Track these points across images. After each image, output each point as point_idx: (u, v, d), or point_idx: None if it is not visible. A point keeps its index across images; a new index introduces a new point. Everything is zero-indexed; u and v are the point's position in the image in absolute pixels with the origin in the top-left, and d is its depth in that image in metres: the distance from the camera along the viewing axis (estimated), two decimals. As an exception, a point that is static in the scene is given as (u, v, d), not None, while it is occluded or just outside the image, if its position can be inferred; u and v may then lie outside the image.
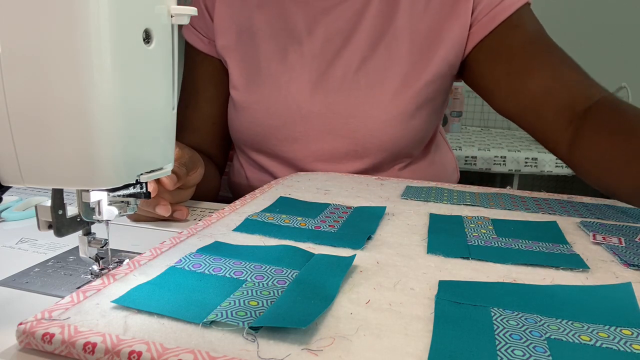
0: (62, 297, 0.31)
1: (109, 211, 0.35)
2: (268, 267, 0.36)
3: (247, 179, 0.83)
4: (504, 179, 1.73)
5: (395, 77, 0.73)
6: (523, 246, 0.43)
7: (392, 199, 0.59)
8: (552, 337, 0.28)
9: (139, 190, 0.34)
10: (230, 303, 0.30)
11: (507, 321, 0.29)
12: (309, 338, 0.27)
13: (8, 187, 0.33)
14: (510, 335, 0.27)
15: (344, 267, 0.36)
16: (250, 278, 0.34)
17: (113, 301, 0.30)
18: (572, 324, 0.29)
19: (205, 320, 0.28)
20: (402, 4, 0.74)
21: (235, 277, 0.34)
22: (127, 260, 0.37)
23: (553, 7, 2.05)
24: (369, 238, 0.44)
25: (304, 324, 0.27)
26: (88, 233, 0.36)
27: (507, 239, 0.45)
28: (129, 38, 0.29)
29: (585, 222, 0.51)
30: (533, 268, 0.38)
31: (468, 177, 1.59)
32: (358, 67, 0.74)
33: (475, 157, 1.55)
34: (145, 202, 0.51)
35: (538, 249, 0.42)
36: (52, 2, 0.26)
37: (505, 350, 0.26)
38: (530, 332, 0.28)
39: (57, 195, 0.33)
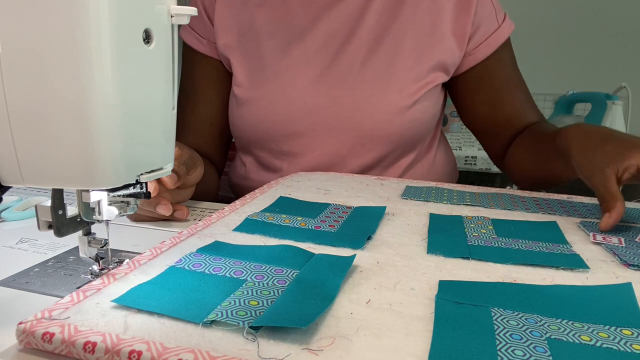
0: (62, 297, 0.31)
1: (109, 211, 0.35)
2: (268, 266, 0.36)
3: (250, 178, 0.83)
4: (504, 179, 1.73)
5: (400, 70, 0.74)
6: (523, 246, 0.43)
7: (392, 199, 0.59)
8: (553, 337, 0.28)
9: (139, 190, 0.34)
10: (230, 303, 0.30)
11: (507, 321, 0.29)
12: (309, 338, 0.27)
13: (8, 187, 0.33)
14: (510, 335, 0.27)
15: (344, 267, 0.36)
16: (251, 278, 0.34)
17: (113, 301, 0.30)
18: (572, 324, 0.29)
19: (205, 319, 0.28)
20: (406, 1, 0.76)
21: (235, 276, 0.34)
22: (127, 260, 0.37)
23: (553, 7, 2.05)
24: (369, 238, 0.44)
25: (304, 323, 0.27)
26: (88, 233, 0.36)
27: (507, 239, 0.45)
28: (129, 38, 0.29)
29: (585, 222, 0.51)
30: (533, 268, 0.38)
31: (468, 177, 1.59)
32: (363, 61, 0.75)
33: (475, 157, 1.55)
34: (145, 202, 0.51)
35: (538, 249, 0.42)
36: (53, 2, 0.26)
37: (506, 350, 0.26)
38: (530, 332, 0.28)
39: (57, 195, 0.33)
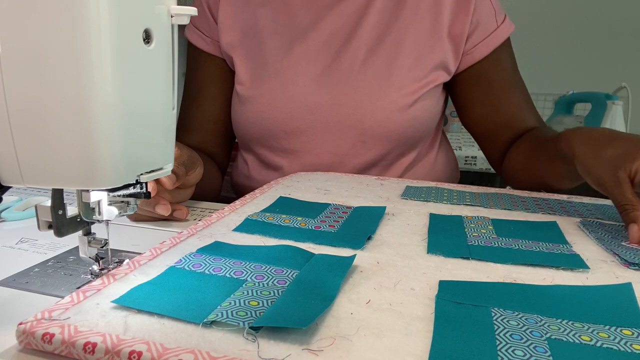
0: (62, 297, 0.31)
1: (109, 211, 0.35)
2: (268, 267, 0.36)
3: (252, 176, 0.84)
4: (504, 179, 1.73)
5: (401, 68, 0.75)
6: (523, 246, 0.43)
7: (392, 199, 0.59)
8: (553, 337, 0.28)
9: (139, 190, 0.34)
10: (230, 303, 0.30)
11: (507, 321, 0.29)
12: (310, 338, 0.27)
13: (8, 187, 0.33)
14: (510, 335, 0.27)
15: (344, 267, 0.36)
16: (251, 278, 0.34)
17: (113, 301, 0.30)
18: (572, 324, 0.29)
19: (205, 320, 0.28)
20: (408, 1, 0.76)
21: (235, 277, 0.34)
22: (127, 260, 0.37)
23: (553, 7, 2.05)
24: (369, 238, 0.44)
25: (305, 324, 0.27)
26: (88, 233, 0.36)
27: (507, 239, 0.45)
28: (129, 38, 0.29)
29: (585, 222, 0.51)
30: (533, 268, 0.38)
31: (468, 177, 1.59)
32: (364, 59, 0.75)
33: (475, 157, 1.55)
34: (145, 202, 0.51)
35: (538, 249, 0.42)
36: (53, 2, 0.26)
37: (506, 350, 0.26)
38: (530, 332, 0.28)
39: (57, 195, 0.33)
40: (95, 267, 0.37)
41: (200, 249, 0.39)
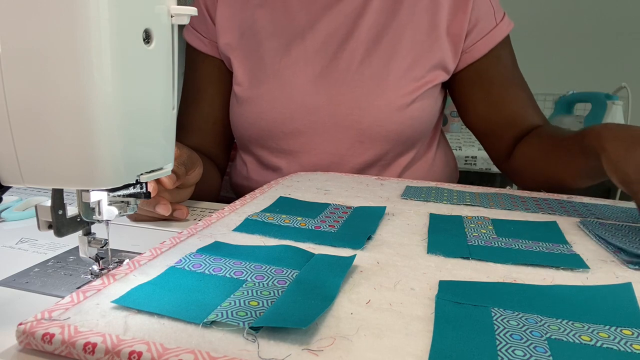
0: (62, 297, 0.31)
1: (109, 211, 0.35)
2: (268, 267, 0.36)
3: (251, 177, 0.84)
4: (504, 179, 1.73)
5: (398, 68, 0.75)
6: (523, 246, 0.43)
7: (392, 199, 0.59)
8: (553, 337, 0.28)
9: (139, 190, 0.34)
10: (230, 303, 0.30)
11: (507, 321, 0.29)
12: (310, 338, 0.27)
13: (8, 187, 0.33)
14: (510, 336, 0.27)
15: (344, 267, 0.36)
16: (251, 278, 0.34)
17: (113, 301, 0.30)
18: (572, 324, 0.29)
19: (205, 320, 0.28)
20: (405, 0, 0.76)
21: (235, 277, 0.34)
22: (127, 260, 0.37)
23: (553, 7, 2.05)
24: (369, 238, 0.44)
25: (305, 324, 0.27)
26: (88, 233, 0.36)
27: (507, 239, 0.45)
28: (129, 38, 0.29)
29: (585, 222, 0.51)
30: (533, 268, 0.38)
31: (468, 177, 1.59)
32: (362, 59, 0.75)
33: (475, 157, 1.55)
34: (145, 202, 0.51)
35: (538, 249, 0.42)
36: (53, 2, 0.26)
37: (506, 351, 0.26)
38: (530, 332, 0.28)
39: (57, 195, 0.33)
40: (95, 267, 0.37)
41: (200, 249, 0.39)
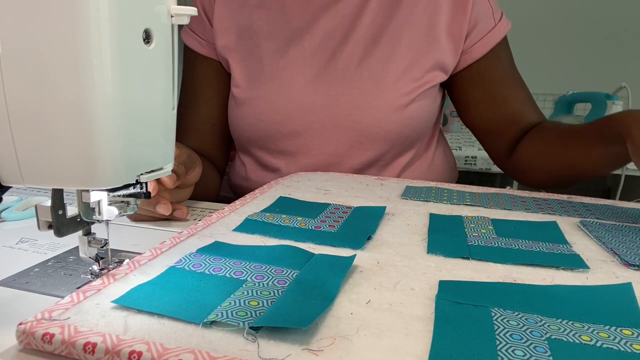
0: (62, 297, 0.31)
1: (109, 211, 0.35)
2: (268, 267, 0.36)
3: (249, 178, 0.84)
4: (504, 179, 1.73)
5: (396, 69, 0.75)
6: (523, 246, 0.43)
7: (392, 199, 0.59)
8: (553, 337, 0.28)
9: (139, 190, 0.34)
10: (230, 303, 0.30)
11: (507, 321, 0.29)
12: (310, 338, 0.27)
13: (8, 187, 0.33)
14: (510, 336, 0.27)
15: (344, 267, 0.36)
16: (251, 278, 0.34)
17: (113, 301, 0.30)
18: (572, 324, 0.29)
19: (205, 320, 0.28)
20: (403, 1, 0.76)
21: (235, 277, 0.34)
22: (127, 260, 0.37)
23: (553, 7, 2.05)
24: (369, 238, 0.44)
25: (305, 324, 0.27)
26: (88, 233, 0.36)
27: (507, 239, 0.45)
28: (129, 38, 0.29)
29: (585, 222, 0.51)
30: (533, 268, 0.38)
31: (468, 177, 1.59)
32: (360, 60, 0.75)
33: (475, 157, 1.55)
34: (145, 202, 0.51)
35: (538, 249, 0.42)
36: (53, 2, 0.26)
37: (506, 351, 0.26)
38: (530, 332, 0.28)
39: (57, 195, 0.33)
40: (95, 267, 0.37)
41: (200, 249, 0.39)
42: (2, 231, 0.50)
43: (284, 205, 0.54)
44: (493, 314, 0.30)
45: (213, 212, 0.59)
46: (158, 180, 0.50)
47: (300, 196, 0.59)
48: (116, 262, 0.38)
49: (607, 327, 0.29)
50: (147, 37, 0.30)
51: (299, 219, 0.49)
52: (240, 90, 0.78)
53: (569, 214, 0.55)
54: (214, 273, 0.35)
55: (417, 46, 0.76)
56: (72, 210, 0.35)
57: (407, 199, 0.59)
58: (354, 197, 0.60)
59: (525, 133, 0.80)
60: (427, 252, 0.41)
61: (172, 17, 0.33)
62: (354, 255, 0.38)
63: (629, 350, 0.27)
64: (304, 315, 0.28)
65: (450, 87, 0.84)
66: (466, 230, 0.47)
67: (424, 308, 0.31)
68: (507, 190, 0.66)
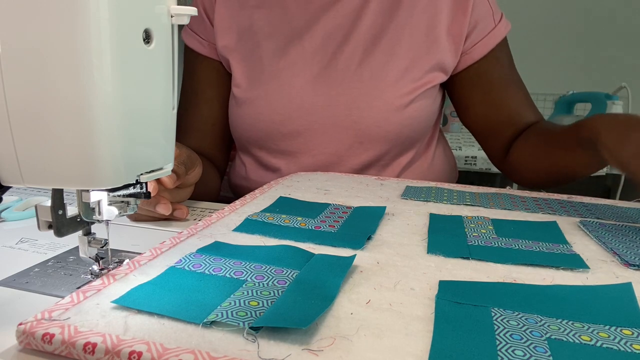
0: (62, 297, 0.31)
1: (109, 211, 0.35)
2: (268, 267, 0.36)
3: (250, 178, 0.84)
4: (504, 179, 1.73)
5: (397, 69, 0.75)
6: (523, 246, 0.43)
7: (392, 199, 0.59)
8: (553, 337, 0.28)
9: (139, 190, 0.34)
10: (230, 303, 0.30)
11: (507, 321, 0.29)
12: (310, 338, 0.27)
13: (8, 187, 0.33)
14: (510, 335, 0.27)
15: (344, 267, 0.36)
16: (251, 278, 0.34)
17: (113, 301, 0.30)
18: (572, 324, 0.29)
19: (205, 320, 0.28)
20: (404, 2, 0.76)
21: (235, 277, 0.34)
22: (127, 260, 0.37)
23: (553, 7, 2.05)
24: (369, 238, 0.44)
25: (305, 324, 0.27)
26: (88, 233, 0.36)
27: (507, 239, 0.45)
28: (129, 38, 0.29)
29: (585, 222, 0.51)
30: (533, 268, 0.38)
31: (468, 177, 1.59)
32: (360, 60, 0.76)
33: (475, 157, 1.55)
34: (145, 202, 0.51)
35: (538, 249, 0.42)
36: (53, 2, 0.26)
37: (506, 350, 0.26)
38: (530, 332, 0.28)
39: (57, 195, 0.33)
40: (95, 267, 0.37)
41: (200, 249, 0.39)
42: (2, 231, 0.50)
43: (284, 205, 0.54)
44: (493, 314, 0.30)
45: (213, 212, 0.59)
46: (158, 181, 0.50)
47: (300, 196, 0.59)
48: (116, 262, 0.38)
49: (607, 327, 0.29)
50: (147, 37, 0.30)
51: (299, 219, 0.49)
52: (241, 90, 0.78)
53: (569, 214, 0.55)
54: (214, 273, 0.35)
55: (417, 47, 0.76)
56: (72, 210, 0.35)
57: (407, 199, 0.59)
58: (354, 197, 0.60)
59: (521, 133, 0.80)
60: (427, 252, 0.41)
61: (172, 17, 0.33)
62: (354, 255, 0.38)
63: (629, 350, 0.27)
64: (304, 315, 0.28)
65: (450, 88, 0.84)
66: (466, 230, 0.47)
67: (424, 308, 0.31)
68: (507, 190, 0.66)
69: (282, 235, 0.44)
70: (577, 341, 0.27)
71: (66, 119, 0.28)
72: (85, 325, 0.27)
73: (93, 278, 0.37)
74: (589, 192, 0.67)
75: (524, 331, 0.28)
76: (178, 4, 0.33)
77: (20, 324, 0.27)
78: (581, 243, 0.45)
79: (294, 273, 0.35)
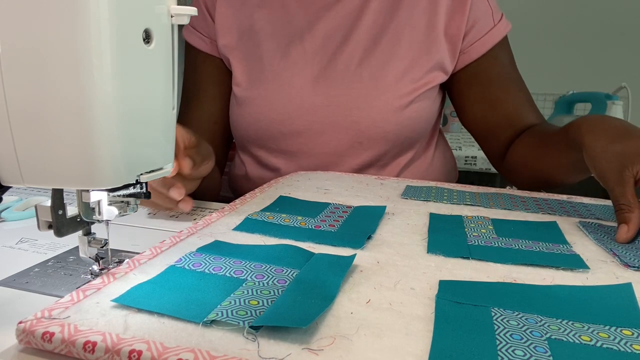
0: (62, 297, 0.31)
1: (109, 211, 0.35)
2: (268, 266, 0.36)
3: (249, 177, 0.84)
4: (504, 179, 1.73)
5: (396, 69, 0.75)
6: (523, 246, 0.43)
7: (392, 199, 0.59)
8: (553, 337, 0.28)
9: (139, 190, 0.34)
10: (230, 302, 0.30)
11: (507, 321, 0.29)
12: (310, 337, 0.27)
13: (8, 187, 0.33)
14: (510, 335, 0.27)
15: (344, 266, 0.36)
16: (251, 277, 0.34)
17: (113, 300, 0.30)
18: (572, 324, 0.29)
19: (205, 319, 0.28)
20: (404, 2, 0.76)
21: (235, 276, 0.34)
22: (127, 261, 0.37)
23: (553, 7, 2.05)
24: (369, 238, 0.44)
25: (305, 323, 0.27)
26: (88, 233, 0.36)
27: (507, 239, 0.45)
28: (129, 38, 0.29)
29: (584, 222, 0.51)
30: (533, 268, 0.38)
31: (468, 177, 1.59)
32: (360, 60, 0.76)
33: (475, 157, 1.55)
34: (161, 182, 0.50)
35: (538, 249, 0.42)
36: (53, 2, 0.26)
37: (506, 350, 0.26)
38: (530, 332, 0.28)
39: (57, 195, 0.33)
40: (95, 267, 0.37)
41: (200, 248, 0.39)
42: (2, 231, 0.50)
43: (284, 204, 0.54)
44: (493, 314, 0.30)
45: (213, 211, 0.59)
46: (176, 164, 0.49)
47: (300, 195, 0.59)
48: (116, 262, 0.38)
49: (607, 327, 0.29)
50: (147, 37, 0.30)
51: (299, 218, 0.49)
52: (241, 89, 0.78)
53: (569, 214, 0.55)
54: (214, 272, 0.35)
55: (417, 47, 0.76)
56: (72, 210, 0.35)
57: (407, 198, 0.59)
58: (354, 196, 0.60)
59: (520, 135, 0.79)
60: (427, 252, 0.41)
61: (172, 17, 0.33)
62: (354, 255, 0.38)
63: (629, 351, 0.27)
64: (304, 315, 0.28)
65: (449, 87, 0.84)
66: (466, 230, 0.47)
67: (424, 308, 0.31)
68: (507, 190, 0.66)
69: (282, 235, 0.44)
70: (577, 341, 0.27)
71: (66, 119, 0.28)
72: (85, 324, 0.27)
73: (93, 278, 0.37)
74: (589, 192, 0.66)
75: (524, 331, 0.28)
76: (178, 4, 0.33)
77: (20, 323, 0.27)
78: (581, 243, 0.45)
79: (294, 272, 0.35)
